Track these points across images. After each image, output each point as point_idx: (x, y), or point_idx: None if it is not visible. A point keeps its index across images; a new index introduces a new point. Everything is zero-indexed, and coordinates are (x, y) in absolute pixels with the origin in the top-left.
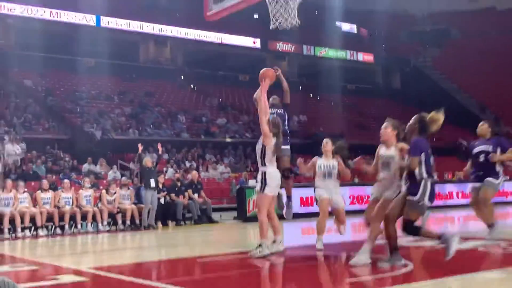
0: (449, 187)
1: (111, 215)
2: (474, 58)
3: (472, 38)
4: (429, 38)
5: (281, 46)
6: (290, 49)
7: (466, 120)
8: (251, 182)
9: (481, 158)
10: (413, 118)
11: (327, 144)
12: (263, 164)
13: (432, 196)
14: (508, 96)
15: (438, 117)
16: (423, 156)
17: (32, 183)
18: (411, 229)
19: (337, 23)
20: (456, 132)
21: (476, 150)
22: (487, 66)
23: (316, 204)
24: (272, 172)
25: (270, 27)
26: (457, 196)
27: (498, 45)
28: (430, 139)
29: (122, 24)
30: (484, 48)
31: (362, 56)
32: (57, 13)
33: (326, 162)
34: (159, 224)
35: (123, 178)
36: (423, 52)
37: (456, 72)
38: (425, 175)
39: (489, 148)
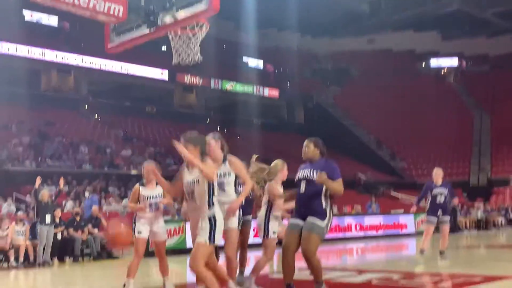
0: (348, 220)
1: (3, 252)
2: (371, 96)
3: (369, 77)
4: (331, 76)
5: (189, 79)
6: (198, 82)
7: (364, 155)
8: None
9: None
10: None
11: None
12: None
13: None
14: (402, 133)
15: None
16: None
17: None
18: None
19: (244, 59)
20: (354, 166)
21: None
22: (383, 104)
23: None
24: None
25: (173, 63)
26: (355, 229)
27: (393, 84)
28: None
29: (22, 50)
30: (381, 87)
31: (268, 91)
32: None
33: (151, 192)
34: (55, 261)
35: (19, 212)
36: (325, 89)
37: (355, 110)
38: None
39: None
